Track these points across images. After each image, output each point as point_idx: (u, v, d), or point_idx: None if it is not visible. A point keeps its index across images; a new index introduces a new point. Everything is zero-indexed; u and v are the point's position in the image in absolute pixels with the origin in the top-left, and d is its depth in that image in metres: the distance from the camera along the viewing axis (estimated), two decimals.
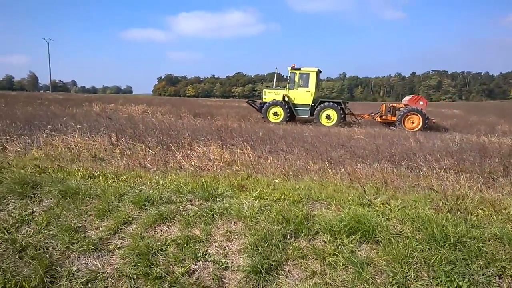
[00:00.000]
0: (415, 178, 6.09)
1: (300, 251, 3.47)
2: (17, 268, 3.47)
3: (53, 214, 4.05)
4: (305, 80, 20.88)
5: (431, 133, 13.49)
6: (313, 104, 20.54)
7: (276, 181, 5.30)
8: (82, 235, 3.76)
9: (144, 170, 6.08)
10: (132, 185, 4.81)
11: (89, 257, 3.53)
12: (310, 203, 4.29)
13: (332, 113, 19.90)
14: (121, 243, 3.67)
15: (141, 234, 3.71)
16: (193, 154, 7.28)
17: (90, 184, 4.75)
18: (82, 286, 3.26)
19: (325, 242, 3.57)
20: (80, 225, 3.92)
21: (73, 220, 3.97)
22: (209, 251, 3.53)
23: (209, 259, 3.43)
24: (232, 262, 3.42)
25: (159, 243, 3.59)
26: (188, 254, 3.45)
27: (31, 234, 3.83)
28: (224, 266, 3.37)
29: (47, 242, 3.71)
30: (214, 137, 8.93)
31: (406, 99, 20.98)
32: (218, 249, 3.56)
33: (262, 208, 4.07)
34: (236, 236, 3.69)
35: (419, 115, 18.81)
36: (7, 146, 7.32)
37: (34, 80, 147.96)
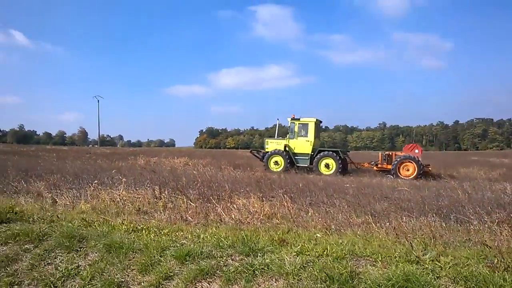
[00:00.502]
0: (465, 232, 5.76)
1: None
2: None
3: (97, 268, 4.13)
4: (305, 130, 21.57)
5: (479, 184, 12.85)
6: (312, 153, 21.11)
7: (318, 235, 5.17)
8: None
9: (186, 223, 6.14)
10: (174, 239, 4.84)
11: None
12: (354, 259, 4.13)
13: (331, 162, 20.39)
14: None
15: None
16: (233, 207, 7.28)
17: (134, 238, 4.83)
18: None
19: None
20: (123, 280, 3.95)
21: (116, 274, 4.02)
22: None
23: None
24: None
25: None
26: None
27: None
28: None
29: None
30: (254, 189, 8.94)
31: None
32: None
33: (304, 265, 3.96)
34: None
35: (414, 163, 19.20)
36: (57, 200, 7.65)
37: (84, 135, 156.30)
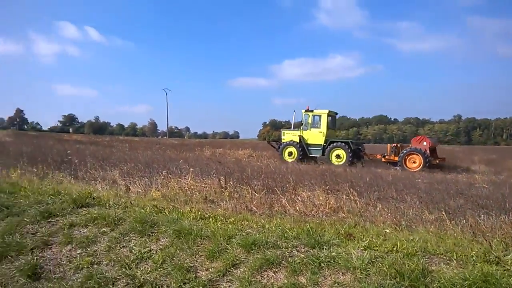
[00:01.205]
0: None
1: None
2: None
3: (168, 253, 4.30)
4: (318, 121, 22.26)
5: None
6: (325, 144, 21.61)
7: (387, 230, 4.97)
8: (193, 275, 3.91)
9: (250, 213, 6.21)
10: (240, 228, 4.91)
11: None
12: (426, 257, 3.92)
13: (342, 153, 20.74)
14: (229, 286, 3.73)
15: (248, 278, 3.72)
16: (297, 199, 7.24)
17: (201, 225, 4.97)
18: None
19: None
20: (191, 265, 4.08)
21: (186, 259, 4.16)
22: None
23: None
24: None
25: None
26: None
27: (148, 270, 4.10)
28: None
29: (162, 280, 3.93)
30: (319, 181, 8.83)
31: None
32: None
33: (373, 260, 3.82)
34: None
35: (420, 155, 19.22)
36: (130, 187, 8.09)
37: (153, 126, 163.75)
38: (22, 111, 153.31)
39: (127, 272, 4.09)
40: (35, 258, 4.56)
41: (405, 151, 19.83)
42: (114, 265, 4.29)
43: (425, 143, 19.84)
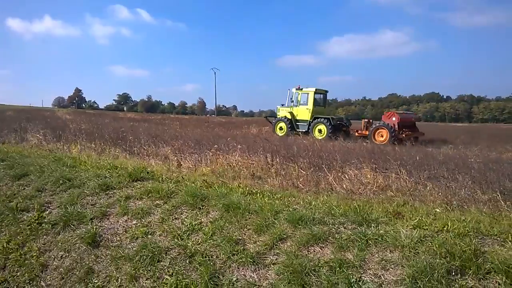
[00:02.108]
0: None
1: None
2: (187, 272, 3.92)
3: (217, 226, 4.46)
4: (306, 99, 24.05)
5: None
6: (311, 120, 23.35)
7: (437, 210, 4.87)
8: (242, 248, 4.04)
9: (297, 190, 6.27)
10: (286, 203, 4.98)
11: (247, 269, 3.76)
12: (479, 237, 3.80)
13: (323, 128, 22.38)
14: (276, 259, 3.83)
15: (295, 252, 3.81)
16: (344, 177, 7.21)
17: (249, 200, 5.09)
18: None
19: (499, 284, 3.10)
20: (240, 238, 4.22)
21: (234, 232, 4.30)
22: (363, 277, 3.41)
23: (363, 286, 3.31)
24: None
25: (312, 263, 3.62)
26: (341, 278, 3.40)
27: (199, 242, 4.29)
28: None
29: (212, 251, 4.10)
30: (367, 159, 8.70)
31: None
32: (373, 277, 3.41)
33: (422, 239, 3.76)
34: (393, 266, 3.48)
35: (386, 130, 20.23)
36: (182, 163, 8.39)
37: (202, 105, 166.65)
38: (80, 90, 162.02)
39: (179, 242, 4.30)
40: (95, 227, 4.88)
41: (374, 126, 21.20)
42: (167, 235, 4.52)
43: (394, 118, 20.90)
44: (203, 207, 4.97)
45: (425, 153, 11.66)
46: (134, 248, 4.39)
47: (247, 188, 5.81)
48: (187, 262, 4.02)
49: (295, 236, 4.07)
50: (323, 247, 3.88)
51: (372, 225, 4.16)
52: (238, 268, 3.81)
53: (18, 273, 4.63)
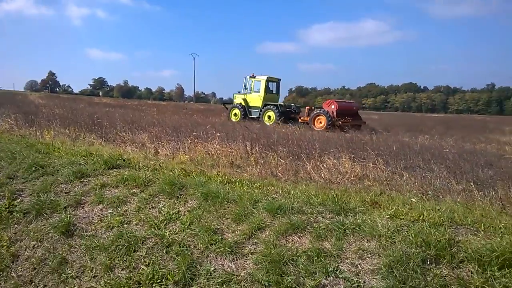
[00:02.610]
0: None
1: (442, 279, 3.15)
2: (164, 262, 3.87)
3: (195, 215, 4.41)
4: (258, 86, 25.26)
5: None
6: (262, 107, 24.63)
7: (413, 200, 4.94)
8: (220, 237, 4.01)
9: (276, 179, 6.25)
10: (265, 192, 4.96)
11: (225, 259, 3.74)
12: (453, 227, 3.87)
13: (272, 114, 23.65)
14: (255, 248, 3.81)
15: (273, 241, 3.80)
16: (323, 166, 7.23)
17: (228, 189, 5.05)
18: (218, 287, 3.48)
19: (471, 273, 3.18)
20: (218, 227, 4.19)
21: (213, 222, 4.27)
22: (340, 267, 3.44)
23: (340, 276, 3.34)
24: (364, 282, 3.27)
25: (290, 253, 3.63)
26: (319, 267, 3.42)
27: (176, 231, 4.23)
28: (356, 285, 3.24)
29: (189, 241, 4.05)
30: (345, 149, 8.77)
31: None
32: (350, 266, 3.44)
33: (398, 228, 3.81)
34: (369, 255, 3.53)
35: (325, 116, 21.43)
36: (159, 150, 8.26)
37: (180, 91, 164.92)
38: (54, 74, 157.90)
39: (156, 232, 4.24)
40: (69, 216, 4.76)
41: (314, 113, 22.40)
42: (143, 225, 4.45)
43: (333, 106, 21.92)
44: (181, 196, 4.91)
45: (402, 143, 11.84)
46: (109, 238, 4.30)
47: (226, 177, 5.76)
48: (164, 252, 3.97)
49: (274, 226, 4.06)
50: (301, 236, 3.89)
51: (350, 214, 4.19)
52: (216, 258, 3.78)
53: None
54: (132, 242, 4.11)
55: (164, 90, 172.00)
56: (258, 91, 25.17)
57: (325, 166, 7.22)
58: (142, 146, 8.84)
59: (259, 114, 24.44)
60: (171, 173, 5.75)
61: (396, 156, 8.66)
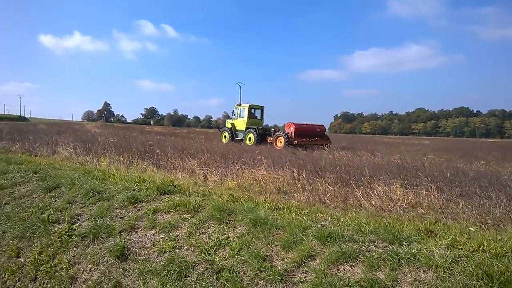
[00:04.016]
0: None
1: None
2: None
3: (244, 241, 4.43)
4: (243, 112, 28.63)
5: None
6: (245, 130, 27.63)
7: (471, 229, 4.68)
8: (269, 264, 3.99)
9: (324, 206, 6.18)
10: (314, 219, 4.91)
11: (275, 287, 3.70)
12: None
13: (252, 136, 26.39)
14: (305, 277, 3.75)
15: (324, 270, 3.72)
16: (373, 193, 7.06)
17: (276, 215, 5.05)
18: None
19: None
20: (267, 254, 4.17)
21: (262, 248, 4.26)
22: None
23: None
24: None
25: (342, 283, 3.53)
26: None
27: (226, 257, 4.26)
28: None
29: (239, 267, 4.06)
30: (396, 175, 8.52)
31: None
32: None
33: (457, 259, 3.62)
34: (426, 287, 3.36)
35: (283, 137, 24.41)
36: (208, 176, 8.42)
37: (227, 119, 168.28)
38: (109, 104, 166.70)
39: (206, 257, 4.29)
40: (123, 240, 4.93)
41: (275, 134, 25.47)
42: (194, 250, 4.51)
43: (291, 128, 24.86)
44: (230, 222, 4.95)
45: (456, 170, 11.31)
46: (161, 263, 4.40)
47: (274, 203, 5.77)
48: (214, 278, 4.00)
49: (324, 254, 3.99)
50: (353, 265, 3.78)
51: (404, 243, 4.04)
52: (266, 285, 3.75)
53: (49, 285, 4.72)
54: (183, 267, 4.18)
55: (211, 118, 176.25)
56: (243, 117, 28.58)
57: (375, 193, 7.03)
58: (192, 173, 9.06)
59: (243, 136, 27.45)
60: (220, 199, 5.84)
61: (451, 183, 8.27)
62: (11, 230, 5.89)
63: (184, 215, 5.28)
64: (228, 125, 29.66)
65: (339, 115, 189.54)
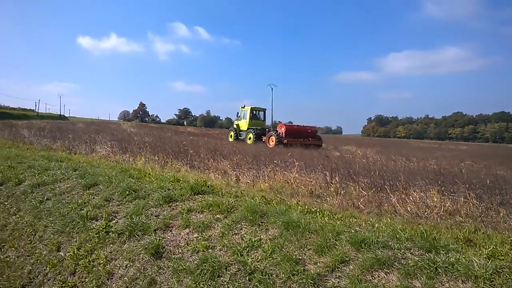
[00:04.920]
0: None
1: None
2: None
3: (277, 243, 4.42)
4: (245, 114, 31.40)
5: None
6: (246, 130, 30.46)
7: None
8: (302, 268, 3.96)
9: (358, 211, 6.09)
10: (348, 224, 4.85)
11: None
12: None
13: (251, 136, 28.95)
14: (338, 282, 3.71)
15: (358, 276, 3.67)
16: (408, 199, 6.89)
17: (309, 219, 5.02)
18: None
19: None
20: (300, 257, 4.15)
21: (294, 251, 4.24)
22: None
23: None
24: None
25: None
26: None
27: (258, 259, 4.26)
28: None
29: (271, 269, 4.06)
30: (432, 181, 8.28)
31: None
32: None
33: (498, 270, 3.48)
34: None
35: (274, 136, 26.43)
36: (240, 178, 8.48)
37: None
38: (144, 105, 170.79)
39: (239, 258, 4.31)
40: (158, 238, 5.02)
41: (268, 134, 27.59)
42: (227, 250, 4.55)
43: (283, 129, 27.15)
44: (262, 224, 4.96)
45: (496, 177, 10.87)
46: (195, 262, 4.45)
47: (306, 206, 5.75)
48: (247, 279, 4.01)
49: (358, 260, 3.93)
50: (388, 272, 3.71)
51: (441, 252, 3.92)
52: None
53: (87, 279, 4.87)
54: (216, 267, 4.22)
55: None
56: (245, 118, 31.25)
57: (411, 199, 6.87)
58: (224, 173, 9.14)
59: (245, 136, 30.10)
60: (252, 200, 5.86)
61: (490, 190, 7.96)
62: (52, 225, 6.13)
63: (217, 216, 5.34)
64: (234, 125, 32.56)
65: (372, 118, 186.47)
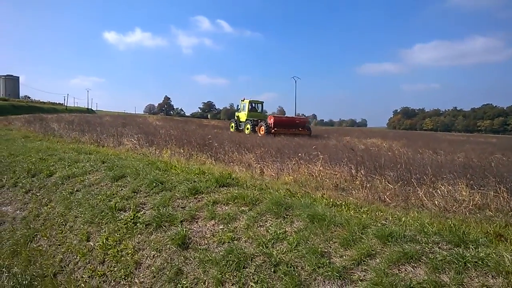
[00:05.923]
0: None
1: None
2: (272, 281, 3.93)
3: (302, 236, 4.43)
4: (244, 107, 34.91)
5: None
6: (245, 121, 33.49)
7: None
8: (327, 261, 3.96)
9: (384, 204, 6.03)
10: (374, 218, 4.81)
11: (333, 283, 3.67)
12: None
13: (249, 126, 31.42)
14: (364, 275, 3.69)
15: (384, 270, 3.63)
16: (436, 193, 6.76)
17: (334, 212, 5.00)
18: None
19: None
20: (325, 250, 4.14)
21: (320, 244, 4.24)
22: None
23: None
24: None
25: (403, 283, 3.43)
26: None
27: (284, 251, 4.28)
28: None
29: (296, 262, 4.07)
30: (460, 175, 8.09)
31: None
32: None
33: None
34: None
35: (264, 127, 29.31)
36: (264, 170, 8.50)
37: (282, 113, 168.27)
38: (169, 98, 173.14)
39: (264, 250, 4.34)
40: (184, 229, 5.10)
41: (259, 124, 30.69)
42: (252, 242, 4.59)
43: (272, 119, 29.92)
44: (287, 216, 4.97)
45: None
46: (220, 253, 4.51)
47: (331, 200, 5.73)
48: (272, 271, 4.03)
49: (385, 253, 3.90)
50: (415, 266, 3.66)
51: (471, 246, 3.85)
52: (324, 282, 3.73)
53: (115, 269, 4.99)
54: (242, 259, 4.27)
55: (266, 112, 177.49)
56: (244, 110, 34.58)
57: (439, 192, 6.74)
58: (248, 166, 9.19)
59: (243, 126, 33.12)
60: (276, 193, 5.88)
61: None
62: (82, 215, 6.31)
63: (242, 208, 5.38)
64: (235, 117, 36.00)
65: (398, 111, 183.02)
